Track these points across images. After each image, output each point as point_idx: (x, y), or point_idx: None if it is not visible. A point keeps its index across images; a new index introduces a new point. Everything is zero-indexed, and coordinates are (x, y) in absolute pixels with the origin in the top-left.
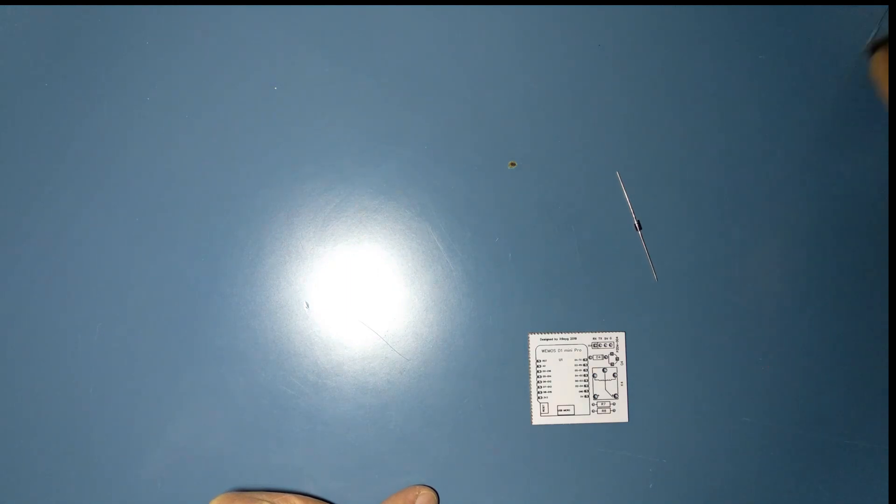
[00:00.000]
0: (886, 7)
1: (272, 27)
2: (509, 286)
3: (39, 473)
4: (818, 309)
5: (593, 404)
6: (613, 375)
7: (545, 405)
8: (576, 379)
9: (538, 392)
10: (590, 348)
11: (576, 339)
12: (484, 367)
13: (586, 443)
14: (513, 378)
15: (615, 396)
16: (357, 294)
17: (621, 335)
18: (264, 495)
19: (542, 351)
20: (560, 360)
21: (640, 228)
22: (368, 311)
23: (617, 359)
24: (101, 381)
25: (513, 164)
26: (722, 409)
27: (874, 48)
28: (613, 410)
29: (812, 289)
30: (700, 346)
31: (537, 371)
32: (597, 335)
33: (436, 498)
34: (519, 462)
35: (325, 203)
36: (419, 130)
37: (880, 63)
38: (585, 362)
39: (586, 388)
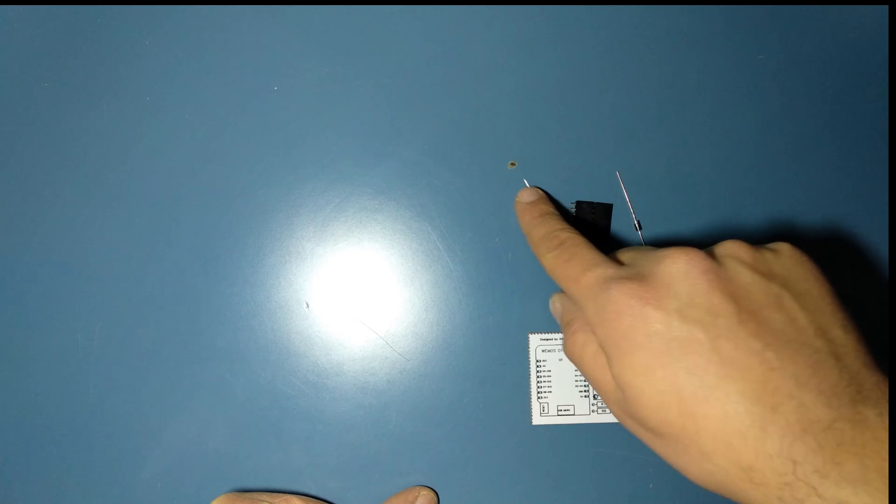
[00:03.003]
0: None
1: (272, 27)
2: (509, 286)
3: (39, 473)
4: None
5: (593, 404)
6: None
7: (545, 405)
8: (576, 379)
9: (538, 392)
10: None
11: None
12: (484, 367)
13: (586, 443)
14: (513, 378)
15: None
16: (357, 294)
17: None
18: (265, 496)
19: (542, 351)
20: (560, 360)
21: (640, 228)
22: (368, 311)
23: None
24: (101, 381)
25: (513, 165)
26: None
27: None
28: None
29: None
30: None
31: (537, 371)
32: None
33: (436, 499)
34: (519, 462)
35: (325, 203)
36: (419, 130)
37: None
38: None
39: (586, 388)
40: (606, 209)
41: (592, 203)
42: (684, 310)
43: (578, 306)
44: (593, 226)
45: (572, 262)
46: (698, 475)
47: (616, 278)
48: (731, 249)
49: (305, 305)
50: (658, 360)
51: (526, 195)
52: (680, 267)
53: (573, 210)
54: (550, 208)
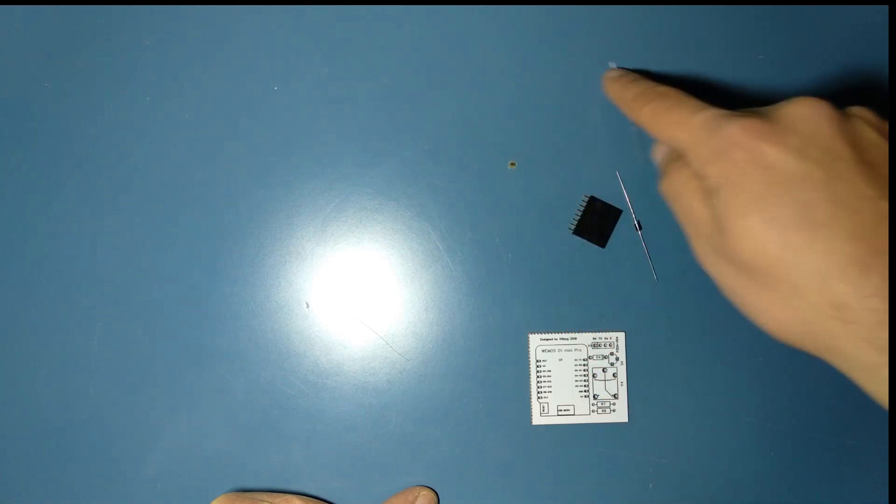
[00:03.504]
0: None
1: (272, 27)
2: (509, 286)
3: (39, 473)
4: None
5: (593, 404)
6: (613, 375)
7: (545, 405)
8: (576, 379)
9: (538, 392)
10: (590, 348)
11: (576, 339)
12: (484, 367)
13: (586, 443)
14: (513, 378)
15: (615, 396)
16: (357, 294)
17: (621, 335)
18: (265, 495)
19: (542, 351)
20: (560, 360)
21: (641, 228)
22: (368, 311)
23: (617, 359)
24: (101, 381)
25: (513, 165)
26: (722, 409)
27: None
28: (613, 410)
29: None
30: (700, 346)
31: (537, 371)
32: (597, 335)
33: (436, 499)
34: (519, 462)
35: (325, 203)
36: (419, 130)
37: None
38: (585, 362)
39: (586, 388)
40: (616, 213)
41: (606, 203)
42: (803, 148)
43: (685, 149)
44: (599, 225)
45: (677, 108)
46: (781, 315)
47: (732, 115)
48: (860, 110)
49: (305, 305)
50: (769, 192)
51: (611, 73)
52: (805, 109)
53: (584, 202)
54: (639, 76)
